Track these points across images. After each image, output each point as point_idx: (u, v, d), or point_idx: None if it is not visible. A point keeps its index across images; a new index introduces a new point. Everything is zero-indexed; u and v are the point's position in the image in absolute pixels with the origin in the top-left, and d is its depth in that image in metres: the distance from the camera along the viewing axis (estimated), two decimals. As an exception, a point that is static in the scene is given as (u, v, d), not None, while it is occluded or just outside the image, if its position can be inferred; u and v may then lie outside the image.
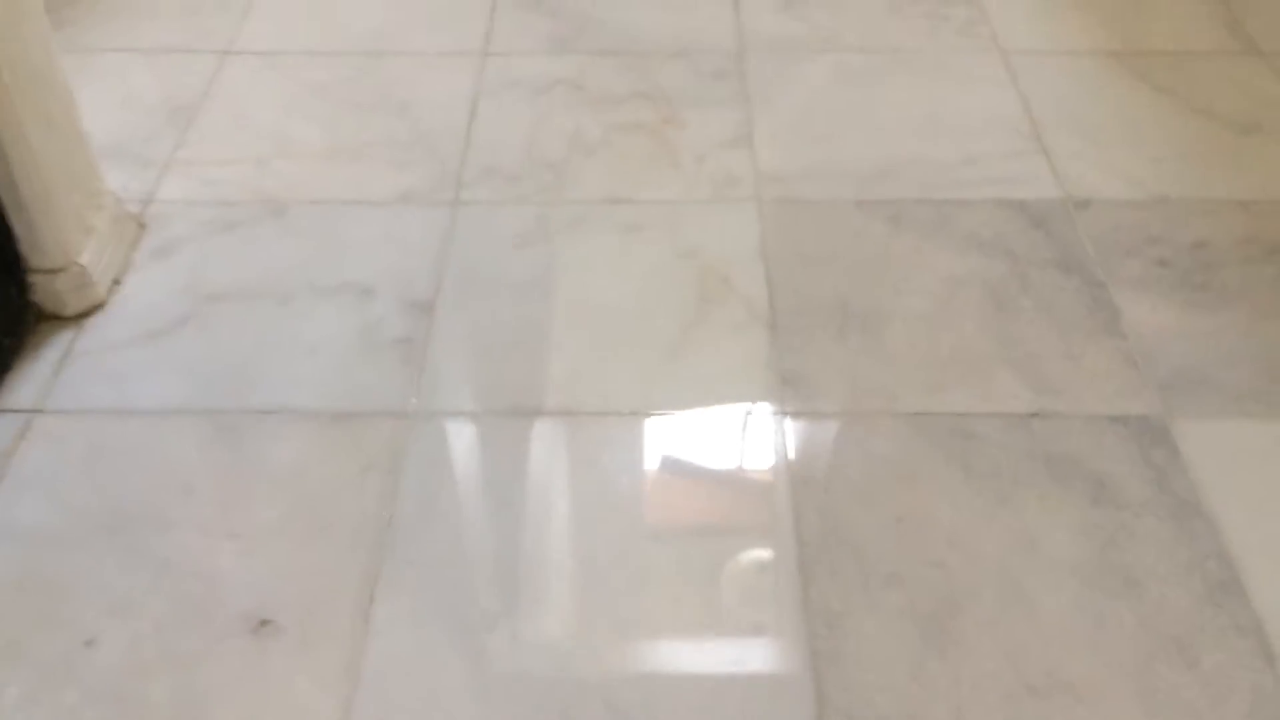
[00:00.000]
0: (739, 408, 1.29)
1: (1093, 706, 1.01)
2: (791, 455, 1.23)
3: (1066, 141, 1.68)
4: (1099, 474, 1.21)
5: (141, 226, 1.52)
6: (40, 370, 1.33)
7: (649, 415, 1.28)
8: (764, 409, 1.29)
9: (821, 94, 1.78)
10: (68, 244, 1.35)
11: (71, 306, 1.38)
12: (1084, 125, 1.71)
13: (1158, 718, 1.00)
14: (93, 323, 1.39)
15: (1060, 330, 1.38)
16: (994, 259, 1.48)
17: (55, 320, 1.39)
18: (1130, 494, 1.19)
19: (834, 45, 1.89)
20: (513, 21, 1.95)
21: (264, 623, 1.08)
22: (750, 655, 1.05)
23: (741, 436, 1.26)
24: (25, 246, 1.34)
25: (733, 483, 1.21)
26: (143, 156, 1.65)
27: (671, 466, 1.23)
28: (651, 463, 1.24)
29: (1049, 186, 1.60)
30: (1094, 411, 1.28)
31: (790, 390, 1.31)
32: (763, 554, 1.13)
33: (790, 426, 1.26)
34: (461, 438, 1.26)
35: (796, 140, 1.69)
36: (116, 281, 1.44)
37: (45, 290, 1.37)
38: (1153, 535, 1.15)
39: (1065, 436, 1.25)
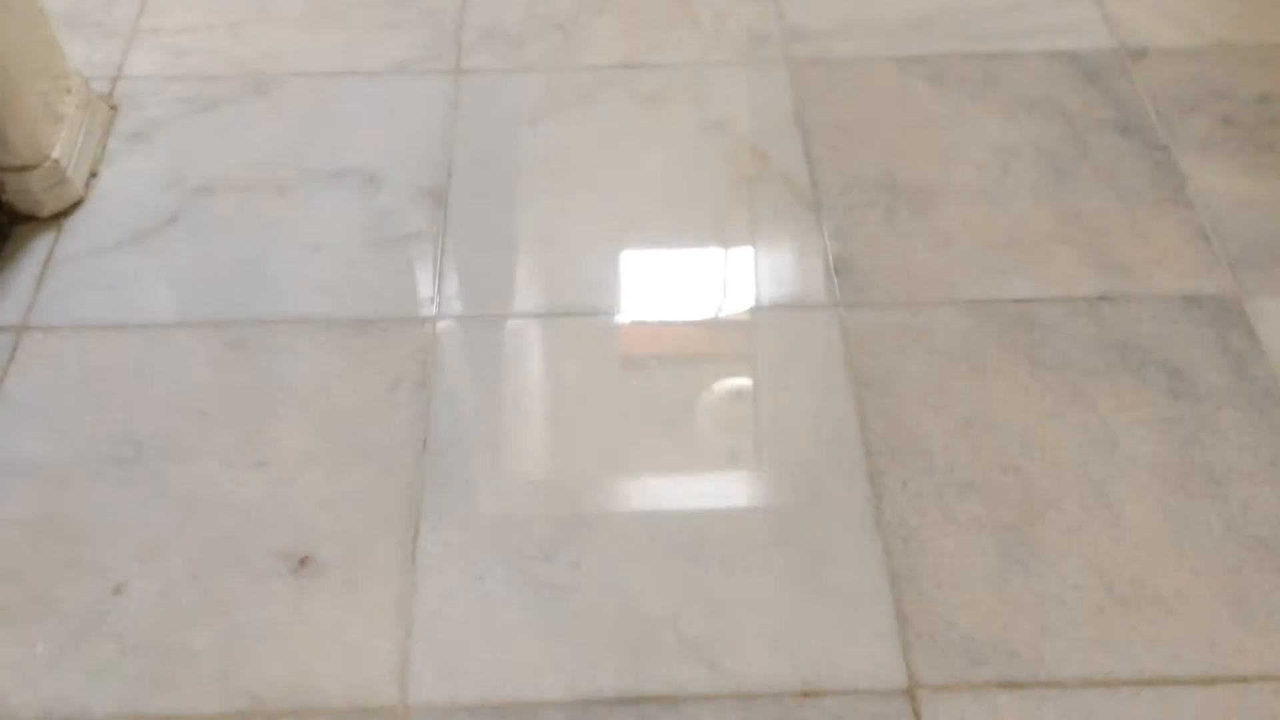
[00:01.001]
0: (788, 303, 1.20)
1: (1184, 618, 0.97)
2: (850, 354, 1.15)
3: (1116, -18, 1.54)
4: (1174, 362, 1.14)
5: (113, 108, 1.37)
6: (21, 280, 1.21)
7: (689, 316, 1.19)
8: (815, 302, 1.20)
9: (847, -67, 1.62)
10: (37, 136, 1.21)
11: (48, 206, 1.25)
12: (1133, -37, 1.57)
13: (1251, 626, 0.97)
14: (72, 223, 1.26)
15: (1124, 201, 1.29)
16: (1048, 122, 1.37)
17: (31, 222, 1.26)
18: (1208, 383, 1.13)
19: (855, -126, 1.71)
20: None
21: (305, 560, 1.01)
22: (826, 578, 1.00)
23: (795, 335, 1.17)
24: (-10, 144, 1.20)
25: (790, 389, 1.13)
26: (103, 25, 1.48)
27: (721, 372, 1.15)
28: (697, 368, 1.16)
29: (1101, 34, 1.47)
30: (1165, 292, 1.20)
31: (842, 280, 1.22)
32: (829, 469, 1.07)
33: (845, 322, 1.18)
34: (489, 344, 1.17)
35: (824, -11, 1.54)
36: (93, 174, 1.30)
37: (17, 190, 1.23)
38: (1234, 428, 1.09)
39: (1136, 322, 1.18)
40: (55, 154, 1.23)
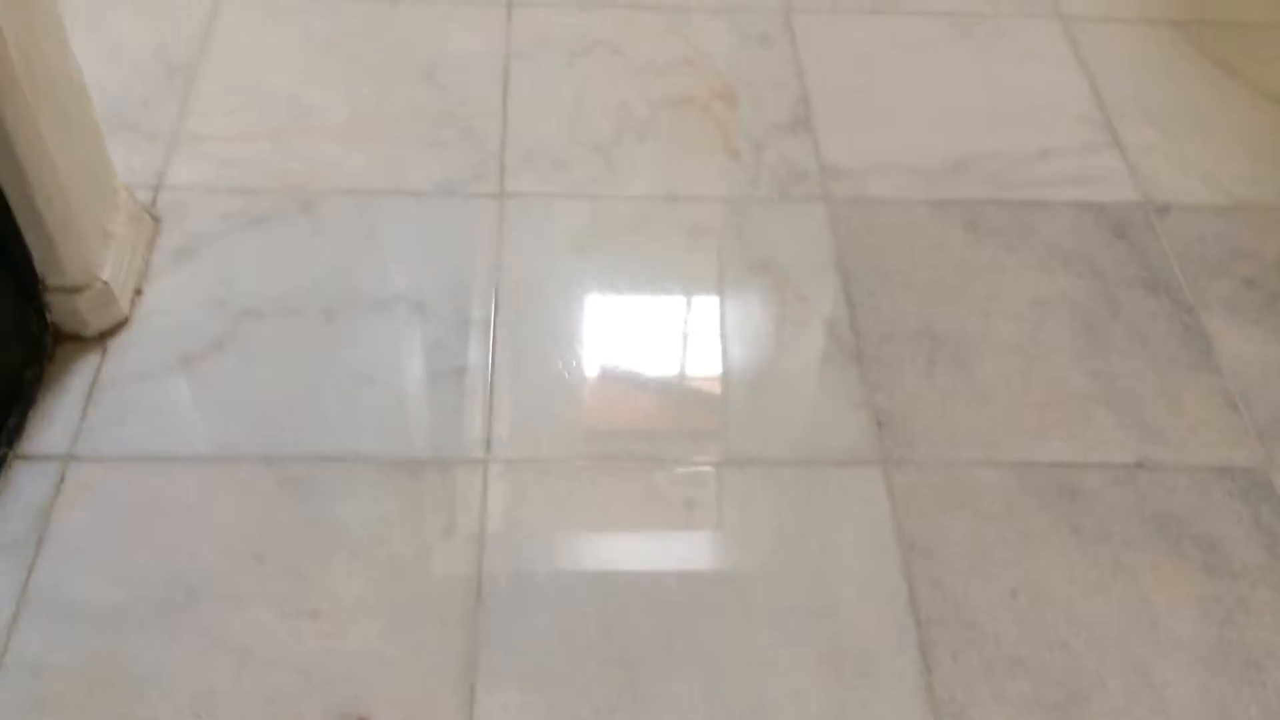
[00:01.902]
0: (835, 458, 1.22)
1: (1228, 808, 1.00)
2: (897, 515, 1.17)
3: (1139, 132, 1.60)
4: (1209, 536, 1.18)
5: (156, 220, 1.36)
6: (66, 406, 1.19)
7: (742, 464, 1.21)
8: (862, 458, 1.22)
9: (879, 67, 1.66)
10: (89, 258, 1.20)
11: (93, 326, 1.24)
12: (1154, 112, 1.63)
13: (1290, 818, 1.00)
14: (118, 343, 1.25)
15: (1155, 364, 1.33)
16: (1080, 277, 1.41)
17: (75, 341, 1.24)
18: (1243, 560, 1.16)
19: (885, 5, 1.76)
20: (537, -37, 1.77)
21: (362, 722, 1.00)
22: (881, 754, 1.02)
23: (841, 493, 1.19)
24: (43, 265, 1.18)
25: (838, 549, 1.15)
26: (144, 128, 1.48)
27: (771, 529, 1.17)
28: (753, 519, 1.17)
29: (1127, 187, 1.52)
30: (1198, 462, 1.24)
31: (887, 435, 1.24)
32: (881, 638, 1.08)
33: (891, 480, 1.20)
34: (541, 490, 1.17)
35: (858, 125, 1.58)
36: (138, 291, 1.29)
37: (63, 310, 1.22)
38: (1269, 609, 1.13)
39: (1172, 492, 1.21)
40: (105, 275, 1.22)
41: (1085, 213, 1.49)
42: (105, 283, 1.22)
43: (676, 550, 1.14)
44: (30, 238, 1.16)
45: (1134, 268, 1.43)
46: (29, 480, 1.13)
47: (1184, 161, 1.56)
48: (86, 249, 1.20)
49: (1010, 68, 1.68)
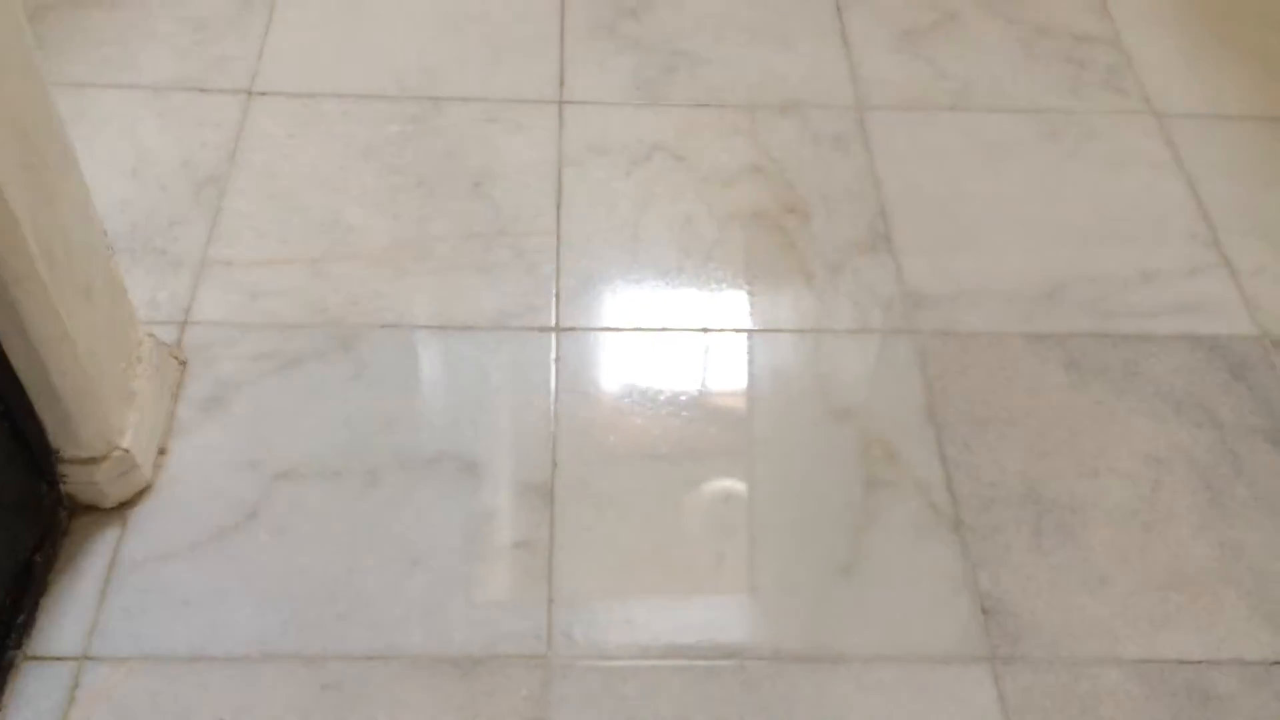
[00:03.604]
0: (937, 654, 1.09)
1: None
2: (1010, 725, 1.04)
3: (1249, 250, 1.46)
4: (1364, 754, 1.04)
5: (182, 364, 1.25)
6: (82, 594, 1.07)
7: (832, 661, 1.08)
8: (967, 654, 1.09)
9: (961, 174, 1.53)
10: (108, 424, 1.09)
11: (112, 497, 1.12)
12: (1263, 225, 1.49)
13: None
14: (139, 515, 1.14)
15: (1286, 534, 1.19)
16: (1197, 427, 1.27)
17: (92, 513, 1.13)
18: (1405, 785, 1.03)
19: (964, 101, 1.63)
20: (588, 55, 1.66)
21: None
22: None
23: (946, 697, 1.06)
24: (57, 437, 1.07)
25: (949, 769, 1.02)
26: (167, 254, 1.36)
27: (873, 744, 1.04)
28: (844, 731, 1.04)
29: (1240, 317, 1.39)
30: (1342, 658, 1.10)
31: (993, 625, 1.11)
32: None
33: (1002, 682, 1.07)
34: (610, 693, 1.05)
35: (942, 243, 1.45)
36: (162, 451, 1.18)
37: (79, 481, 1.10)
38: None
39: (1316, 696, 1.08)
40: (126, 442, 1.10)
41: (1197, 349, 1.35)
42: (126, 450, 1.10)
43: (763, 769, 1.02)
44: (44, 412, 1.04)
45: (1256, 416, 1.29)
46: (39, 686, 1.02)
47: (1301, 286, 1.42)
48: (106, 415, 1.08)
49: (1104, 174, 1.55)
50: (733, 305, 1.37)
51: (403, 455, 1.20)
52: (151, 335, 1.20)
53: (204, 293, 1.32)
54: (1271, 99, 1.66)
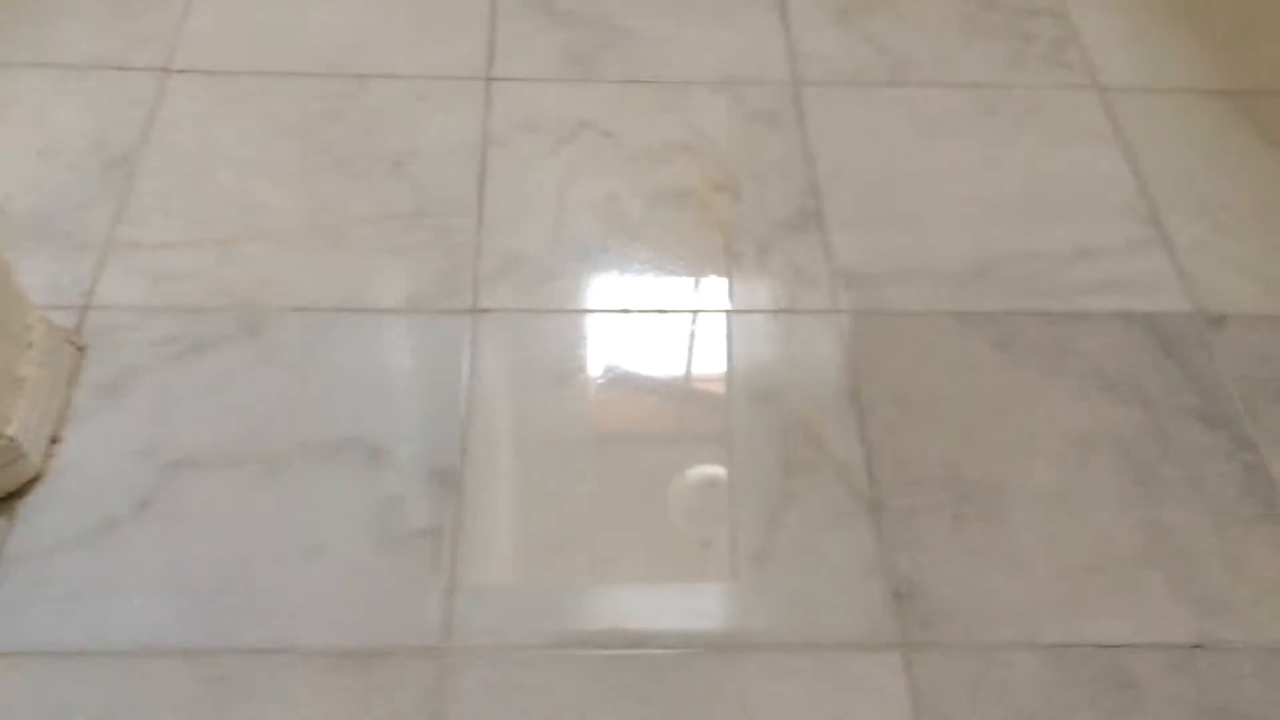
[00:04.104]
0: (847, 640, 1.06)
1: None
2: (920, 711, 1.01)
3: (1188, 225, 1.43)
4: (1284, 741, 1.02)
5: (80, 350, 1.21)
6: (-35, 587, 1.04)
7: (741, 650, 1.05)
8: (877, 640, 1.06)
9: (897, 150, 1.49)
10: (-9, 414, 1.05)
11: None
12: (1204, 200, 1.46)
13: None
14: (28, 505, 1.10)
15: (1214, 515, 1.16)
16: (1126, 406, 1.24)
17: (-21, 504, 1.09)
18: (1325, 773, 1.00)
19: (903, 76, 1.59)
20: (519, 31, 1.62)
21: None
22: None
23: (853, 685, 1.03)
24: (-65, 426, 1.03)
25: (855, 760, 0.99)
26: (74, 235, 1.32)
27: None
28: (753, 718, 1.01)
29: (1176, 294, 1.35)
30: (1266, 640, 1.08)
31: (905, 610, 1.08)
32: None
33: (912, 668, 1.04)
34: (509, 686, 1.02)
35: (874, 221, 1.41)
36: (55, 439, 1.14)
37: (-36, 471, 1.07)
38: (1358, 838, 0.96)
39: (1236, 681, 1.05)
40: (12, 430, 1.07)
41: (1130, 326, 1.32)
42: (11, 439, 1.07)
43: (664, 762, 0.99)
44: (-80, 398, 1.00)
45: (1187, 394, 1.26)
46: (-85, 683, 0.98)
47: (1240, 261, 1.39)
48: (-10, 403, 1.05)
49: (1043, 150, 1.51)
50: (656, 286, 1.33)
51: (306, 442, 1.16)
52: (45, 319, 1.17)
53: (108, 277, 1.29)
54: (1219, 71, 1.63)
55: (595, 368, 1.25)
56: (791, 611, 1.08)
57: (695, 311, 1.31)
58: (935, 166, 1.48)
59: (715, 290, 1.33)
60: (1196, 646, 1.07)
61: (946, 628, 1.07)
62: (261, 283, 1.29)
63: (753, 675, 1.03)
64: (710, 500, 1.15)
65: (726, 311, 1.31)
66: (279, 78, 1.52)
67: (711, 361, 1.27)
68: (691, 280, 1.34)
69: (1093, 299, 1.34)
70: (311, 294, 1.29)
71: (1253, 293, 1.36)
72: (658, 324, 1.30)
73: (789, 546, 1.12)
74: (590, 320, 1.29)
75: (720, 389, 1.25)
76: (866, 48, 1.63)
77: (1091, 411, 1.24)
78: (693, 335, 1.29)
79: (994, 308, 1.33)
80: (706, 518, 1.13)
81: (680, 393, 1.24)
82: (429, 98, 1.52)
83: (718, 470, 1.17)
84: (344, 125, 1.47)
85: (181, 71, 1.52)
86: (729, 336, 1.29)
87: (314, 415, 1.18)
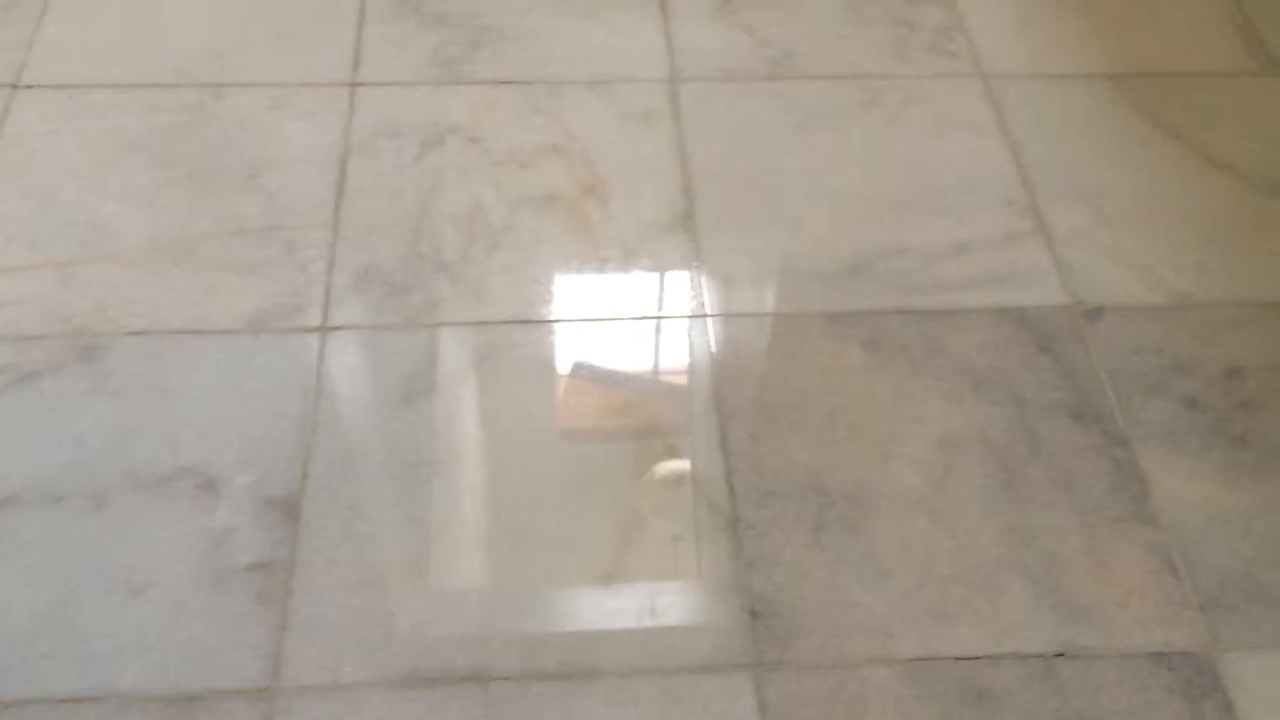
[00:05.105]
0: (697, 663, 1.02)
1: None
2: (768, 738, 0.98)
3: (1067, 215, 1.39)
4: (1144, 750, 0.98)
5: (-98, 385, 1.15)
6: None
7: (580, 676, 1.01)
8: (729, 661, 1.02)
9: (772, 145, 1.45)
10: None
11: None
12: (1085, 188, 1.42)
13: None
14: None
15: (1081, 515, 1.13)
16: (996, 405, 1.21)
17: None
18: (1184, 782, 0.97)
19: (783, 69, 1.55)
20: (388, 34, 1.56)
21: None
22: None
23: (705, 709, 0.99)
24: None
25: (697, 790, 0.96)
26: (-96, 264, 1.27)
27: (618, 766, 0.97)
28: (591, 754, 0.97)
29: (1052, 286, 1.32)
30: (1130, 645, 1.04)
31: (761, 629, 1.04)
32: None
33: (763, 690, 1.00)
34: (343, 723, 0.97)
35: (747, 220, 1.38)
36: None
37: None
38: None
39: (1098, 689, 1.02)
40: None
41: (1003, 321, 1.29)
42: None
43: (498, 800, 0.94)
44: None
45: (1059, 390, 1.23)
46: None
47: (1118, 251, 1.36)
48: None
49: (924, 141, 1.47)
50: (516, 296, 1.29)
51: (136, 474, 1.11)
52: None
53: (-62, 306, 1.23)
54: (1107, 54, 1.60)
55: (447, 384, 1.20)
56: (640, 636, 1.03)
57: (555, 321, 1.27)
58: (813, 162, 1.44)
59: (578, 298, 1.29)
60: (1058, 655, 1.04)
61: (802, 645, 1.03)
62: (100, 307, 1.24)
63: (596, 704, 0.99)
64: (559, 521, 1.10)
65: (588, 320, 1.27)
66: (132, 90, 1.47)
67: (572, 374, 1.23)
68: (553, 288, 1.30)
69: (968, 294, 1.31)
70: (152, 317, 1.24)
71: (1130, 284, 1.33)
72: (516, 335, 1.25)
73: (641, 567, 1.08)
74: (444, 335, 1.25)
75: (579, 402, 1.20)
76: (748, 40, 1.59)
77: (960, 412, 1.20)
78: (553, 346, 1.25)
79: (865, 307, 1.29)
80: (554, 539, 1.09)
81: (533, 409, 1.20)
82: (289, 106, 1.46)
83: (569, 488, 1.13)
84: (198, 138, 1.42)
85: (29, 87, 1.46)
86: (588, 347, 1.25)
87: (146, 445, 1.13)
